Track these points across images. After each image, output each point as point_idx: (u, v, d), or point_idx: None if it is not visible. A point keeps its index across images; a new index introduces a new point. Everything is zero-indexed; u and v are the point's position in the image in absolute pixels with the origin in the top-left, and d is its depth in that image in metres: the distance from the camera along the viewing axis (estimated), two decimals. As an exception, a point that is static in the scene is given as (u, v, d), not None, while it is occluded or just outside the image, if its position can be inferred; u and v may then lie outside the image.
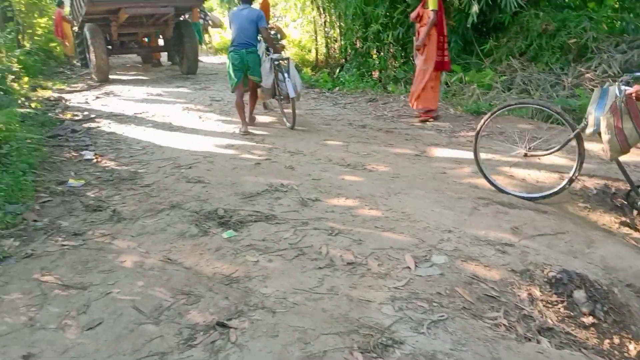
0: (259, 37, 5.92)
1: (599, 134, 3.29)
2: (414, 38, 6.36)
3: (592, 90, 5.62)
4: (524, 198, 3.78)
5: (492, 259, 2.81)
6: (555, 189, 3.74)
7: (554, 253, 2.92)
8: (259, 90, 6.18)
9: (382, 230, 3.15)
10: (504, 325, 2.25)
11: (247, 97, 6.26)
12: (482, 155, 4.07)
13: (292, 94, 5.73)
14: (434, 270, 2.66)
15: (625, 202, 3.61)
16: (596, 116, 3.30)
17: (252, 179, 4.17)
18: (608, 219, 3.63)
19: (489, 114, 3.92)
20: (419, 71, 6.15)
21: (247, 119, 6.03)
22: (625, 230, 3.50)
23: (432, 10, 5.85)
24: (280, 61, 5.96)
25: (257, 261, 2.78)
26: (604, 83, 5.22)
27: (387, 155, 4.90)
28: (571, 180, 3.67)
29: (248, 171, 4.39)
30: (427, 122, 6.25)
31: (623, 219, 3.62)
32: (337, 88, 9.09)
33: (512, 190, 3.92)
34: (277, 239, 3.05)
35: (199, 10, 12.46)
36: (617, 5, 7.93)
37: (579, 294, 2.58)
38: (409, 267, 2.69)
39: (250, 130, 5.90)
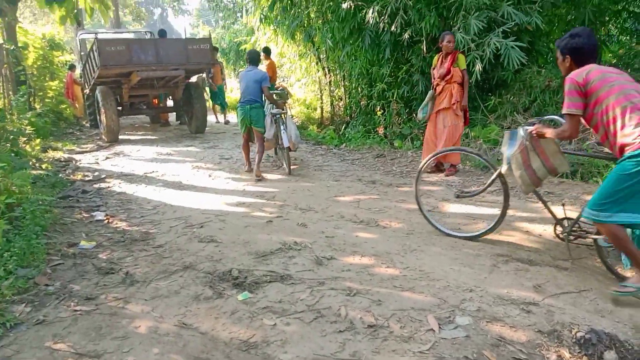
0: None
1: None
2: (432, 93, 6.44)
3: (598, 143, 5.84)
4: (462, 238, 4.04)
5: (517, 319, 2.72)
6: (489, 227, 3.95)
7: (580, 312, 2.83)
8: (265, 140, 6.85)
9: (402, 290, 3.08)
10: (538, 391, 2.14)
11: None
12: (423, 199, 4.47)
13: (286, 144, 6.63)
14: (459, 332, 2.57)
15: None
16: (507, 155, 3.64)
17: (264, 237, 4.13)
18: (629, 275, 3.53)
19: (424, 161, 4.34)
20: (450, 127, 6.26)
21: (254, 172, 6.62)
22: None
23: (464, 69, 6.24)
24: (279, 115, 6.84)
25: (275, 324, 2.70)
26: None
27: (400, 211, 4.87)
28: (501, 218, 3.87)
29: (260, 229, 4.36)
30: (446, 176, 6.40)
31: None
32: (344, 144, 9.21)
33: (452, 231, 4.16)
34: (294, 300, 2.98)
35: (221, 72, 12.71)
36: (614, 61, 8.16)
37: (610, 355, 2.47)
38: (432, 329, 2.60)
39: (259, 186, 5.94)
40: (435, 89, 6.37)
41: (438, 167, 6.55)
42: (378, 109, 9.61)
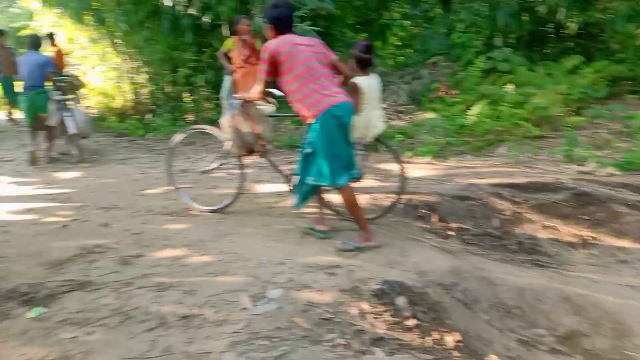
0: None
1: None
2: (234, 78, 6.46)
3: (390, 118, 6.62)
4: (209, 211, 4.34)
5: (323, 282, 2.92)
6: (229, 200, 4.30)
7: (375, 267, 3.16)
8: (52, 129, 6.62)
9: (215, 275, 3.06)
10: (341, 344, 2.33)
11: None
12: (176, 176, 4.73)
13: (71, 131, 6.50)
14: (271, 305, 2.66)
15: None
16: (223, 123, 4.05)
17: (59, 244, 3.69)
18: (415, 229, 4.07)
19: (173, 140, 4.51)
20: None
21: (47, 159, 6.66)
22: (429, 236, 3.97)
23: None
24: (63, 102, 6.59)
25: (75, 337, 2.45)
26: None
27: (212, 197, 4.81)
28: (239, 190, 4.25)
29: (54, 236, 3.89)
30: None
31: (426, 226, 4.12)
32: (151, 134, 8.72)
33: (200, 205, 4.43)
34: (97, 307, 2.73)
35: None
36: (399, 43, 9.25)
37: (400, 300, 2.80)
38: (246, 308, 2.64)
39: (51, 188, 5.30)
40: (232, 73, 6.42)
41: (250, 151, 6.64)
42: (185, 95, 9.30)
